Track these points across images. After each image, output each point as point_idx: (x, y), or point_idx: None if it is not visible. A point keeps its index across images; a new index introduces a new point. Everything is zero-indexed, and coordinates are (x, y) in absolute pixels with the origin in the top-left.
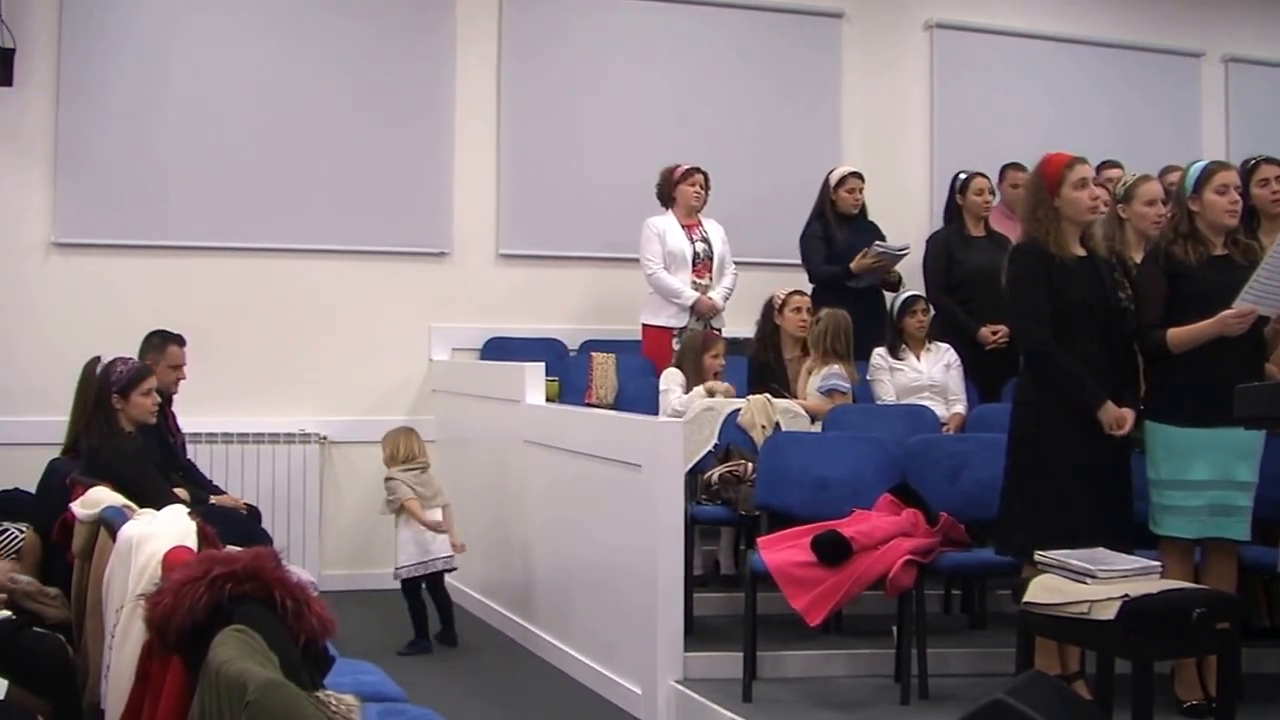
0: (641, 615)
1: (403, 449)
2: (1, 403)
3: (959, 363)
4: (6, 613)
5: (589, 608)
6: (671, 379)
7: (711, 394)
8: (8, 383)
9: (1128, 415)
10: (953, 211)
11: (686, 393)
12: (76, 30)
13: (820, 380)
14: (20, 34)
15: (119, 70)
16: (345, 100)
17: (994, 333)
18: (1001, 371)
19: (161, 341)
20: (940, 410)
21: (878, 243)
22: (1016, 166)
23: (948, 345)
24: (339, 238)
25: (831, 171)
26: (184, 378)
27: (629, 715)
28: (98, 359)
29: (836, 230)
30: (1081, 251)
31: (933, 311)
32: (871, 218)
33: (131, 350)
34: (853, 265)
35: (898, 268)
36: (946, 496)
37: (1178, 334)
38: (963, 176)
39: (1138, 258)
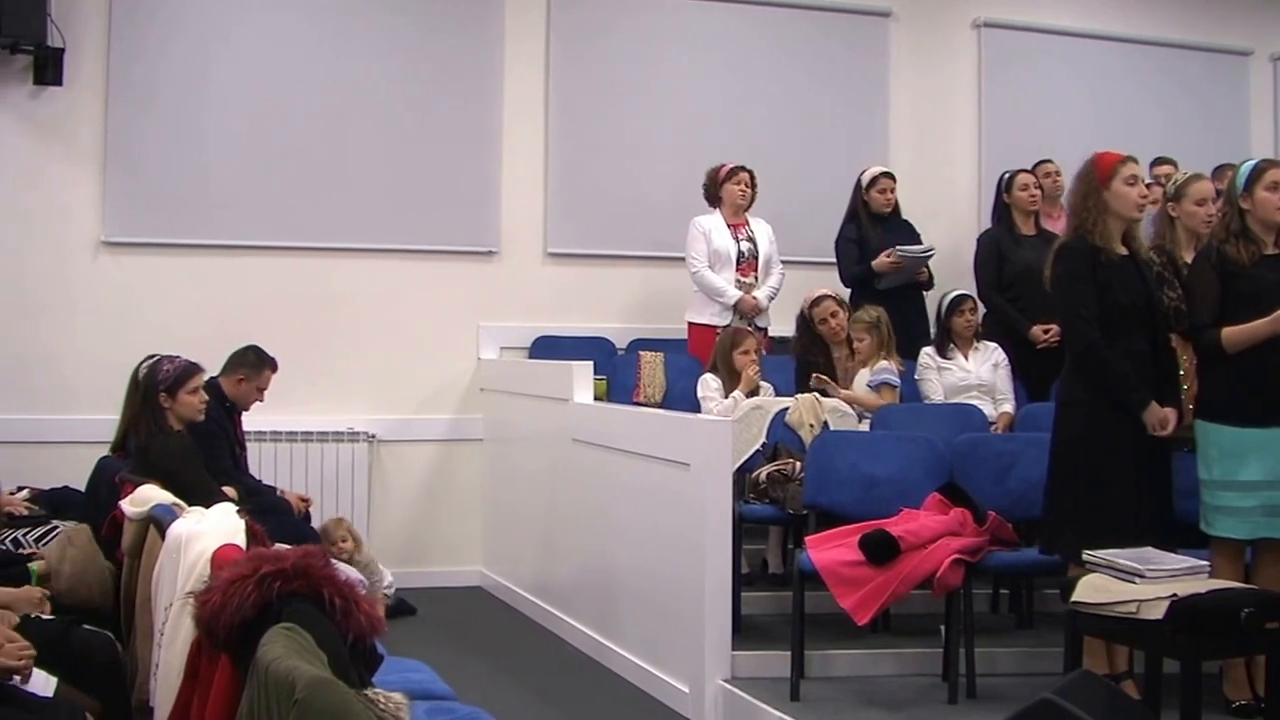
0: (689, 614)
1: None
2: (51, 401)
3: (1007, 362)
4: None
5: (637, 606)
6: (708, 386)
7: (753, 393)
8: (57, 381)
9: (1170, 416)
10: (1001, 210)
11: (726, 397)
12: (125, 30)
13: (872, 375)
14: (70, 34)
15: (167, 69)
16: (394, 99)
17: (1045, 331)
18: (1050, 371)
19: (258, 361)
20: (988, 409)
21: (899, 246)
22: (1046, 161)
23: (995, 344)
24: (387, 237)
25: (863, 173)
26: (262, 400)
27: (676, 714)
28: (152, 358)
29: (870, 231)
30: (1124, 251)
31: (981, 310)
32: (919, 217)
33: (181, 349)
34: (874, 264)
35: (929, 266)
36: (994, 496)
37: (1232, 333)
38: (1007, 175)
39: (1188, 257)
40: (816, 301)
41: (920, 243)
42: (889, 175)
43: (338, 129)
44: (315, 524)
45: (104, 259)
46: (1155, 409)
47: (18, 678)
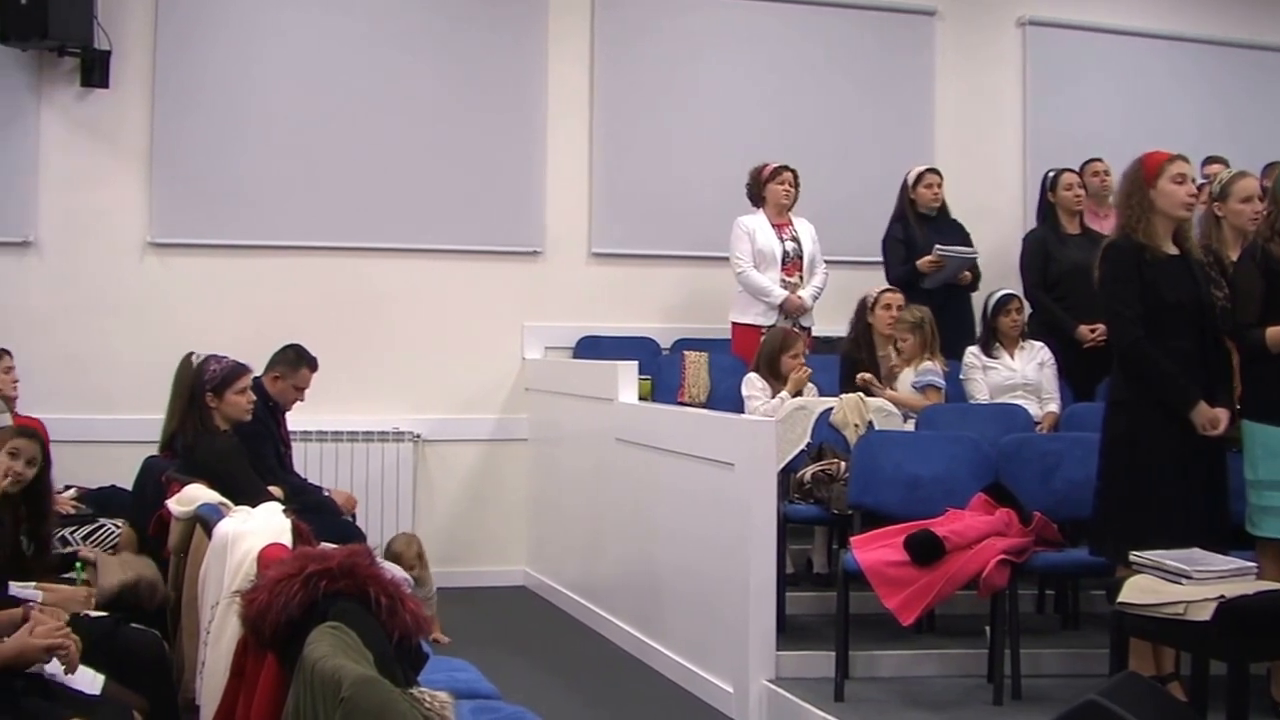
0: (734, 614)
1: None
2: (99, 401)
3: (1053, 361)
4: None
5: (681, 606)
6: (753, 385)
7: (798, 393)
8: (105, 381)
9: (1221, 415)
10: (1046, 209)
11: (772, 397)
12: (171, 32)
13: (916, 375)
14: (116, 37)
15: (212, 71)
16: (438, 99)
17: (1092, 330)
18: (1095, 370)
19: (296, 359)
20: (1034, 409)
21: (939, 246)
22: (1095, 159)
23: (1041, 344)
24: (433, 237)
25: (909, 172)
26: (302, 400)
27: (720, 714)
28: (191, 356)
29: (916, 230)
30: (1174, 250)
31: (1027, 310)
32: (964, 217)
33: (227, 349)
34: (919, 264)
35: (977, 269)
36: (1040, 496)
37: (1276, 333)
38: (1052, 173)
39: (1234, 256)
40: (886, 290)
41: (970, 243)
42: (934, 171)
43: (382, 129)
44: (360, 524)
45: (150, 260)
46: (1204, 409)
47: (62, 668)
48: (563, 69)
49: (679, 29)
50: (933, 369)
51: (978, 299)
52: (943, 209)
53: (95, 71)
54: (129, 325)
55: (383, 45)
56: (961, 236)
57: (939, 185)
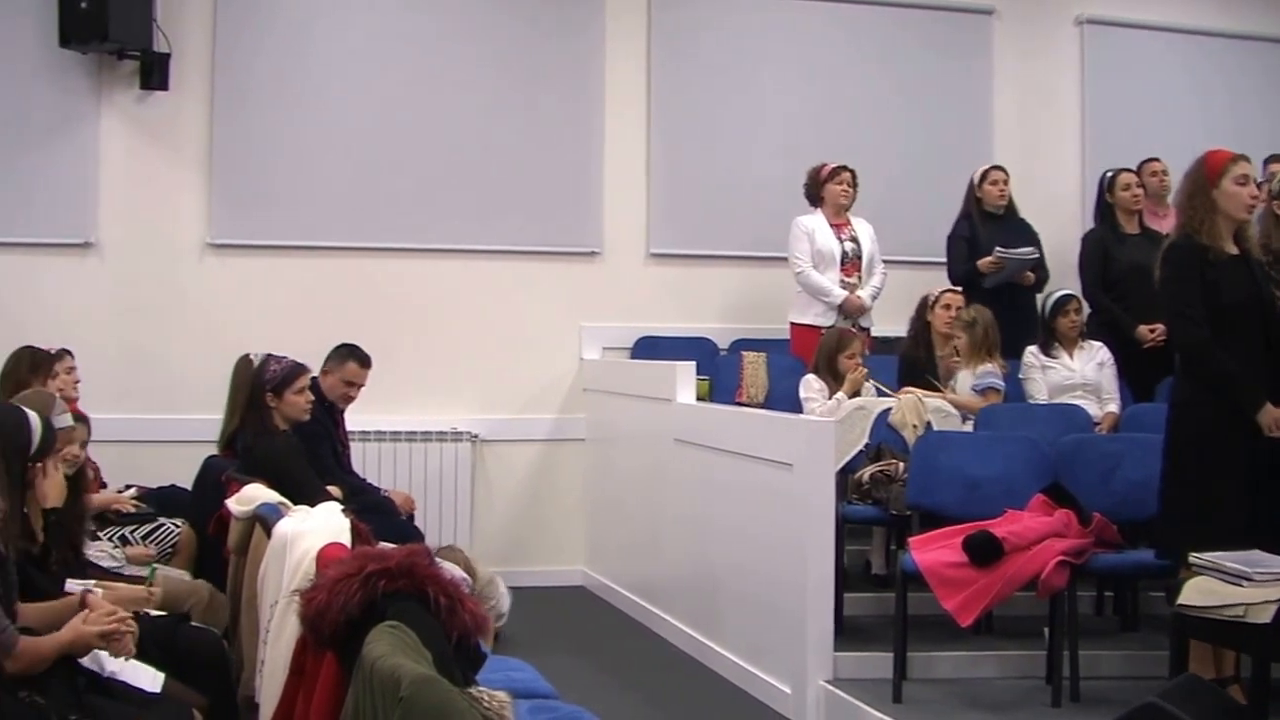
0: (791, 614)
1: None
2: (159, 401)
3: (1112, 361)
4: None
5: (739, 606)
6: (810, 387)
7: (854, 394)
8: (164, 381)
9: None
10: (1104, 209)
11: (829, 398)
12: (229, 35)
13: (976, 378)
14: (175, 40)
15: (271, 73)
16: (496, 101)
17: (1151, 330)
18: (1155, 370)
19: (345, 354)
20: (1093, 409)
21: (999, 249)
22: (1154, 159)
23: (1100, 344)
24: (491, 238)
25: (976, 170)
26: (354, 397)
27: (778, 714)
28: (249, 356)
29: (981, 229)
30: (1235, 250)
31: (1086, 310)
32: (1024, 216)
33: (286, 349)
34: (979, 264)
35: (1043, 269)
36: (1099, 497)
37: None
38: (1109, 174)
39: None
40: (947, 290)
41: (1037, 242)
42: (1000, 169)
43: (440, 131)
44: (419, 524)
45: (210, 260)
46: (1271, 409)
47: (121, 659)
48: (620, 70)
49: (735, 29)
50: (992, 371)
51: (1037, 299)
52: (1010, 207)
53: (154, 74)
54: (188, 326)
55: (440, 47)
56: (1028, 236)
57: (1005, 183)
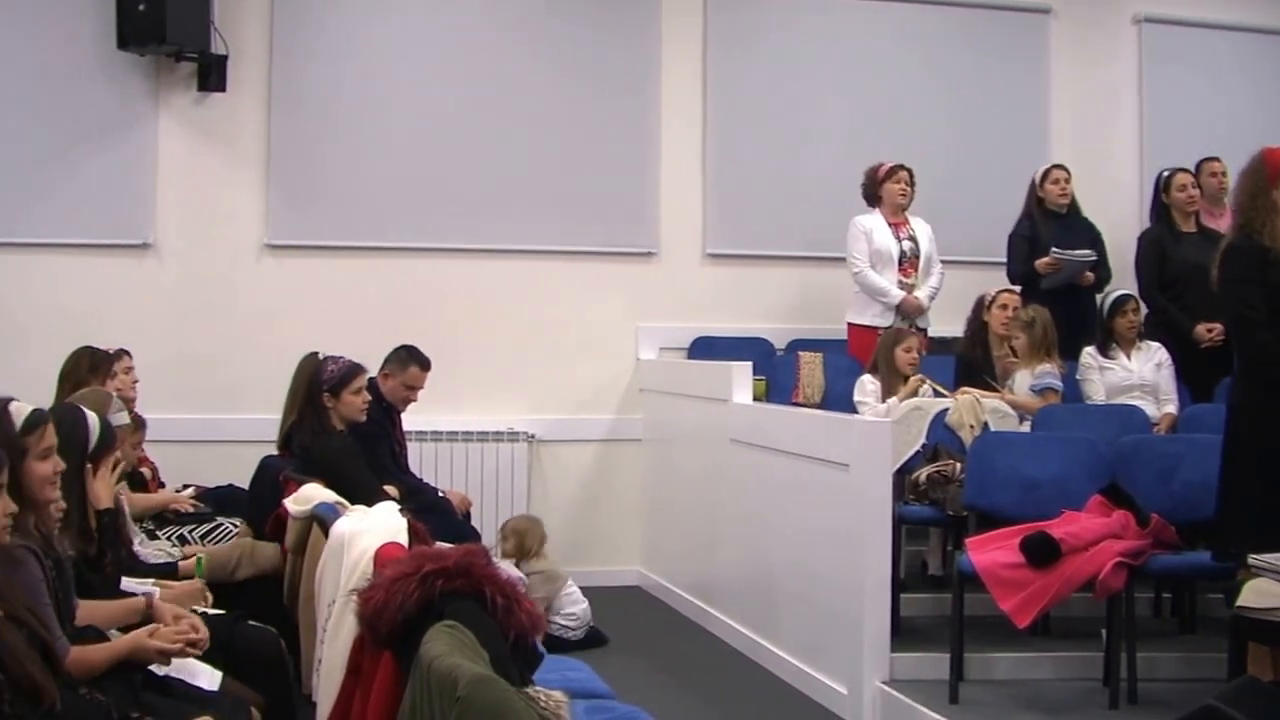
0: (848, 615)
1: (536, 543)
2: (216, 401)
3: (1170, 362)
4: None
5: (795, 607)
6: (865, 389)
7: (913, 394)
8: (222, 381)
9: None
10: (1160, 209)
11: (883, 400)
12: (286, 36)
13: (1034, 378)
14: (233, 41)
15: (328, 74)
16: (552, 101)
17: (1209, 330)
18: (1214, 371)
19: (406, 358)
20: (1151, 410)
21: (1055, 249)
22: (1213, 159)
23: (1159, 344)
24: (548, 239)
25: (1038, 169)
26: (414, 400)
27: (834, 715)
28: (315, 355)
29: (1042, 228)
30: None
31: (1144, 310)
32: (1084, 215)
33: (343, 349)
34: (1037, 264)
35: (1106, 268)
36: (1157, 498)
37: None
38: (1165, 174)
39: None
40: (1004, 290)
41: (1100, 241)
42: (1062, 168)
43: (497, 131)
44: (475, 524)
45: (267, 261)
46: None
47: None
48: (676, 70)
49: (791, 30)
50: (1050, 371)
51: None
52: (1072, 207)
53: (212, 76)
54: (246, 326)
55: (496, 48)
56: (1090, 235)
57: (1066, 182)
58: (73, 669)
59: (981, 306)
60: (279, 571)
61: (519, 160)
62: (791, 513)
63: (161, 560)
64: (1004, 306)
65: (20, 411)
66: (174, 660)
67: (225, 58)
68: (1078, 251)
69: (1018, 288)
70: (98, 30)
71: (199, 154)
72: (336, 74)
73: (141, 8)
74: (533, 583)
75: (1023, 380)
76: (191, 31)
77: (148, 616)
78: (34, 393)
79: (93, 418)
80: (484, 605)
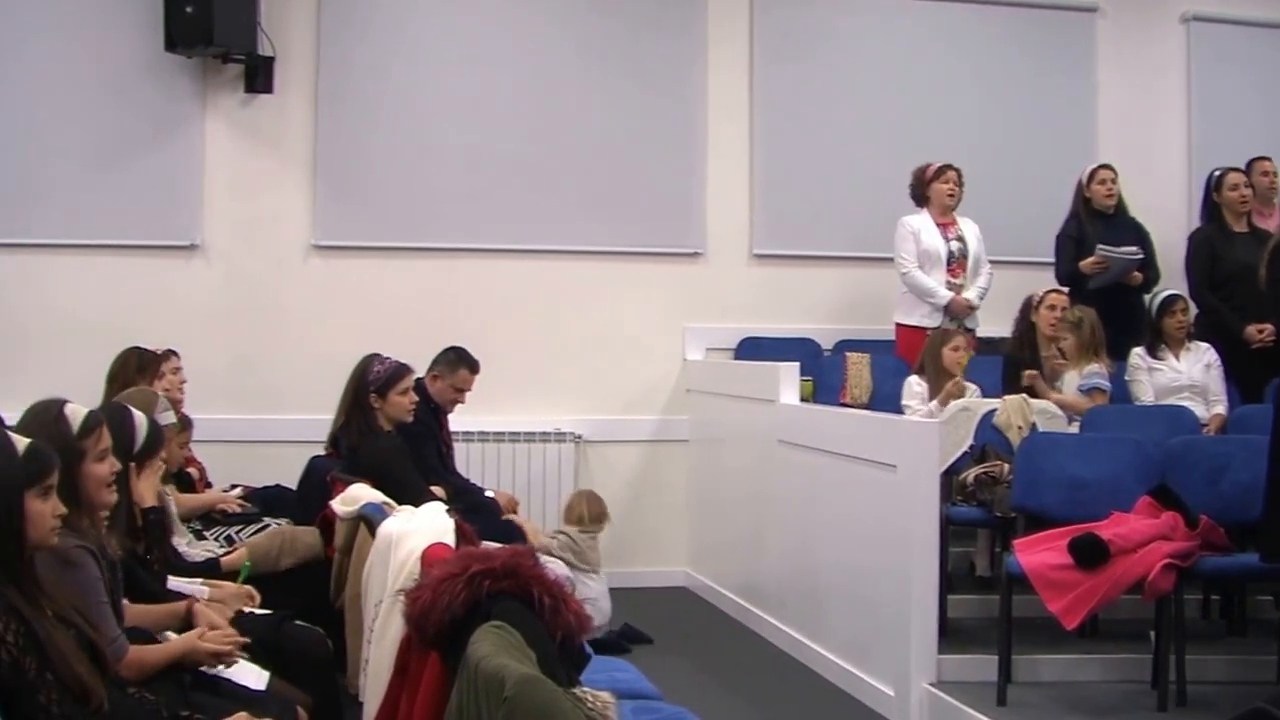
0: (895, 616)
1: (586, 513)
2: (264, 401)
3: (1219, 363)
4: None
5: (841, 608)
6: (911, 391)
7: (953, 398)
8: (270, 382)
9: None
10: (1211, 209)
11: (928, 402)
12: (333, 38)
13: (1082, 378)
14: (280, 43)
15: (375, 75)
16: (599, 103)
17: (1260, 331)
18: (1264, 371)
19: (456, 360)
20: (1200, 411)
21: (1101, 246)
22: (1264, 158)
23: (1208, 345)
24: (594, 239)
25: (1084, 169)
26: (462, 401)
27: (880, 717)
28: (372, 356)
29: (1089, 228)
30: None
31: (1193, 311)
32: (1132, 215)
33: (389, 350)
34: (1081, 265)
35: (1155, 268)
36: (1207, 499)
37: None
38: (1217, 173)
39: None
40: (1051, 291)
41: (1148, 241)
42: (1108, 168)
43: (544, 133)
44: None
45: (314, 262)
46: None
47: (221, 666)
48: (722, 70)
49: (838, 30)
50: (1098, 371)
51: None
52: (1120, 206)
53: (259, 77)
54: (293, 327)
55: (543, 48)
56: (1137, 235)
57: (1113, 182)
58: (130, 670)
59: (1029, 307)
60: (319, 560)
61: (565, 161)
62: (838, 513)
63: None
64: (1052, 307)
65: (76, 414)
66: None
67: (272, 59)
68: (1124, 249)
69: (1065, 288)
70: (145, 33)
71: (246, 155)
72: (383, 75)
73: (189, 10)
74: (560, 541)
75: (1071, 380)
76: (238, 33)
77: (186, 622)
78: (82, 394)
79: (140, 417)
80: (531, 606)
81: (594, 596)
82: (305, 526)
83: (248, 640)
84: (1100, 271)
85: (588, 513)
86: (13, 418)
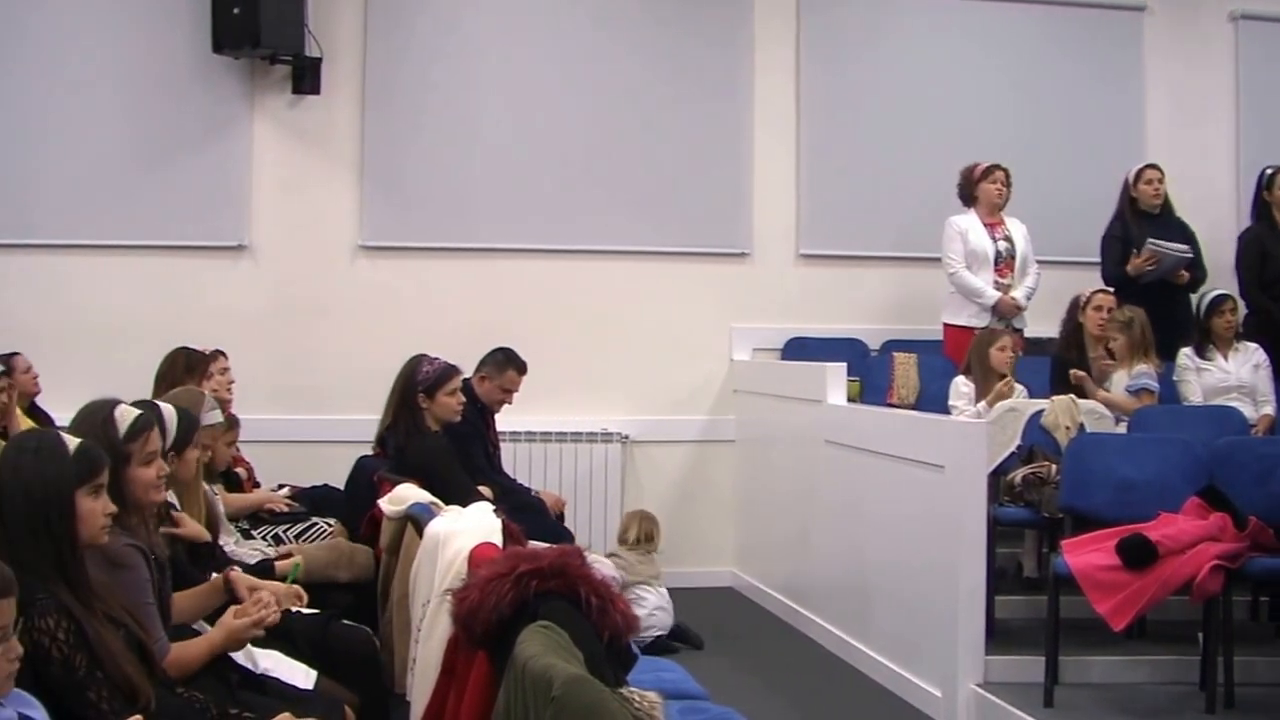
0: (942, 617)
1: (637, 533)
2: (311, 401)
3: (1268, 363)
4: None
5: (888, 609)
6: (958, 392)
7: (1001, 398)
8: (317, 382)
9: None
10: (1261, 208)
11: (975, 402)
12: (380, 39)
13: (1131, 379)
14: (327, 44)
15: (422, 76)
16: (646, 104)
17: None
18: None
19: (504, 361)
20: (1249, 411)
21: (1151, 240)
22: None
23: (1256, 345)
24: (640, 239)
25: (1130, 169)
26: (509, 402)
27: (927, 717)
28: (422, 357)
29: (1135, 228)
30: None
31: (1242, 311)
32: (1178, 215)
33: (436, 350)
34: (1130, 267)
35: (1202, 268)
36: (1256, 500)
37: None
38: (1269, 171)
39: None
40: (1098, 291)
41: (1194, 242)
42: (1155, 167)
43: (591, 133)
44: (569, 524)
45: (361, 262)
46: None
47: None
48: (768, 70)
49: (885, 30)
50: (1147, 372)
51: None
52: (1165, 206)
53: (306, 78)
54: (340, 327)
55: (590, 49)
56: (1184, 235)
57: (1160, 181)
58: (172, 669)
59: (1076, 308)
60: (373, 575)
61: (612, 161)
62: (885, 514)
63: (250, 559)
64: (1098, 308)
65: (125, 416)
66: (270, 660)
67: (319, 60)
68: (1173, 245)
69: (1112, 289)
70: (193, 34)
71: (293, 156)
72: (430, 75)
73: (236, 11)
74: (615, 563)
75: (1119, 381)
76: (286, 34)
77: (230, 596)
78: (131, 394)
79: (169, 410)
80: (578, 606)
81: (652, 609)
82: (362, 546)
83: (278, 611)
84: (1152, 265)
85: (638, 533)
86: (63, 418)
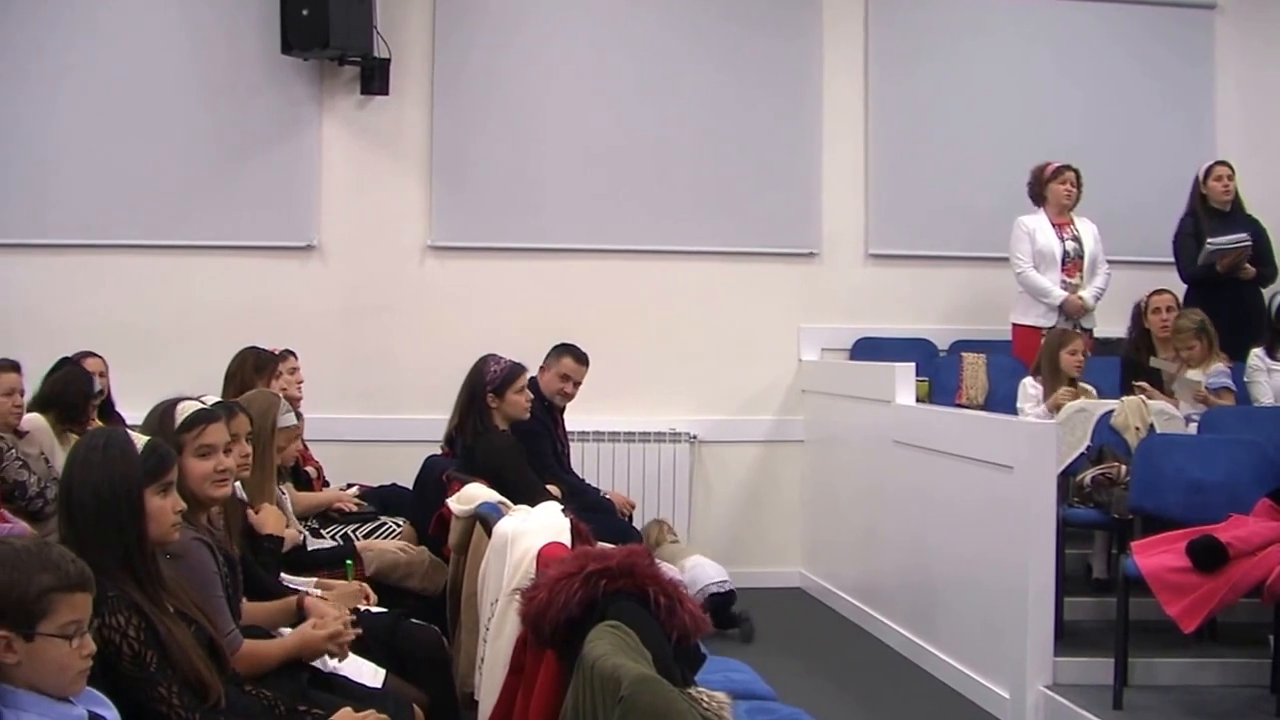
0: (1011, 619)
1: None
2: (380, 400)
3: None
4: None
5: (957, 610)
6: (1026, 393)
7: (1064, 403)
8: (387, 382)
9: None
10: None
11: (1043, 403)
12: (449, 39)
13: (1209, 377)
14: (395, 45)
15: (491, 76)
16: (716, 104)
17: None
18: None
19: (561, 350)
20: None
21: (1209, 241)
22: None
23: None
24: (709, 239)
25: (1200, 166)
26: (570, 394)
27: (995, 719)
28: (490, 356)
29: (1206, 225)
30: None
31: None
32: (1251, 213)
33: (505, 350)
34: (1218, 267)
35: (1273, 262)
36: None
37: None
38: None
39: None
40: (1156, 293)
41: (1261, 237)
42: (1224, 164)
43: (661, 133)
44: (637, 525)
45: (430, 263)
46: None
47: (336, 661)
48: (837, 71)
49: (954, 29)
50: (1224, 370)
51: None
52: (1236, 203)
53: (375, 79)
54: (410, 327)
55: (658, 49)
56: (1254, 232)
57: (1229, 178)
58: (247, 664)
59: (1140, 313)
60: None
61: (681, 161)
62: (954, 515)
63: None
64: (1158, 310)
65: (185, 410)
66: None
67: (388, 61)
68: (1227, 238)
69: (1166, 288)
70: (262, 36)
71: (362, 156)
72: (498, 76)
73: (305, 13)
74: None
75: (1195, 377)
76: (354, 36)
77: (300, 616)
78: (200, 392)
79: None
80: (647, 605)
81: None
82: (441, 562)
83: (359, 630)
84: (1235, 260)
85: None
86: (135, 417)
